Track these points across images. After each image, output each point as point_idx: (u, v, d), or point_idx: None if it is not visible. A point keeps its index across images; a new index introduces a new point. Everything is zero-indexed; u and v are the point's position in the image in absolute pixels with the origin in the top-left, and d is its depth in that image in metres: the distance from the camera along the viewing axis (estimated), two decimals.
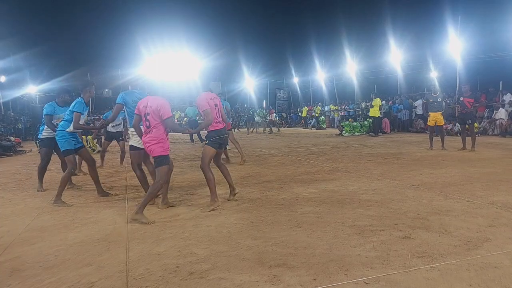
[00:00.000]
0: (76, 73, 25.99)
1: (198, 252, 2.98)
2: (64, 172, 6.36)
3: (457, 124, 12.89)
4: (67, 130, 4.98)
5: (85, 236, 3.49)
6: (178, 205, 4.56)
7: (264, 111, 21.55)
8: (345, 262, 2.67)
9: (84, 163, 6.59)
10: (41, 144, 5.96)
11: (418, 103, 16.12)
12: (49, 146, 5.86)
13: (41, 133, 5.93)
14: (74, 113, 4.85)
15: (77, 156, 5.41)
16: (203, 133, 11.30)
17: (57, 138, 5.06)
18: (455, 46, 16.57)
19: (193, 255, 2.92)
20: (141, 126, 4.18)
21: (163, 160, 3.97)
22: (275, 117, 21.47)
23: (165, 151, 3.98)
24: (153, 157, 4.03)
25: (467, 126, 9.20)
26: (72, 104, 4.97)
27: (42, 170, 5.93)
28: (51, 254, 3.07)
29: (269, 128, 20.78)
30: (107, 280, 2.54)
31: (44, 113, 5.75)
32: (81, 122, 4.96)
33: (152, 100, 4.03)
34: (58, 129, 5.10)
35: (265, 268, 2.62)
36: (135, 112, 4.20)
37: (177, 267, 2.71)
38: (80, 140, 5.30)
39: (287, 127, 28.24)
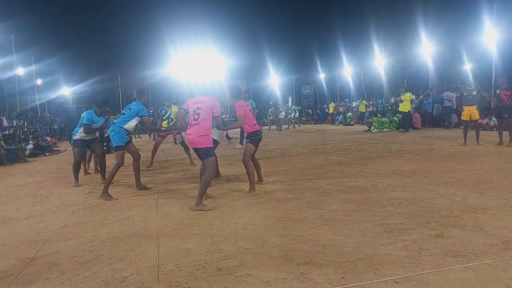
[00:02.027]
0: (106, 75, 26.93)
1: (225, 249, 3.01)
2: (100, 169, 6.72)
3: (493, 118, 12.30)
4: (124, 127, 5.36)
5: (117, 232, 3.61)
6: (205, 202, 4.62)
7: (274, 110, 21.67)
8: (375, 261, 2.62)
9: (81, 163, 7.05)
10: (75, 144, 6.48)
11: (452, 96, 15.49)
12: (82, 146, 6.41)
13: (75, 135, 6.42)
14: (143, 117, 5.39)
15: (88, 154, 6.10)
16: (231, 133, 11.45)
17: (112, 133, 5.40)
18: (491, 36, 15.78)
19: (220, 251, 2.96)
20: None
21: (210, 151, 4.34)
22: (284, 115, 21.63)
23: (210, 143, 4.36)
24: (199, 148, 4.35)
25: (504, 120, 8.77)
26: (136, 109, 5.39)
27: (76, 167, 6.46)
28: (86, 249, 3.20)
29: (278, 127, 20.96)
30: (138, 275, 2.62)
31: (83, 122, 6.23)
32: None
33: (204, 98, 4.48)
34: (115, 124, 5.45)
35: (293, 266, 2.62)
36: (182, 106, 4.67)
37: (206, 263, 2.75)
38: (128, 137, 5.63)
39: (313, 123, 27.98)
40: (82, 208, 4.74)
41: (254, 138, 5.24)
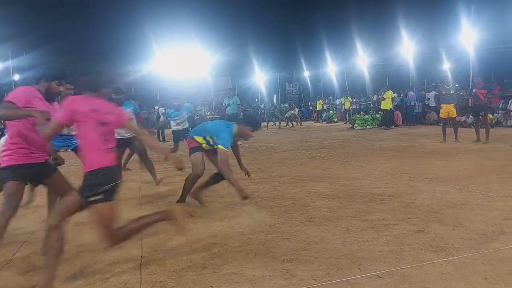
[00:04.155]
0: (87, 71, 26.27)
1: (210, 247, 3.00)
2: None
3: (470, 116, 12.66)
4: None
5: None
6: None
7: (289, 107, 21.47)
8: (358, 257, 2.66)
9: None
10: None
11: (431, 95, 15.90)
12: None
13: None
14: None
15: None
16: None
17: None
18: (468, 37, 16.22)
19: (205, 250, 2.94)
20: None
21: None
22: (297, 111, 21.60)
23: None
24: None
25: (480, 117, 9.04)
26: None
27: None
28: (66, 250, 3.10)
29: (291, 123, 20.77)
30: (121, 276, 2.58)
31: None
32: None
33: (110, 107, 2.53)
34: None
35: (278, 263, 2.63)
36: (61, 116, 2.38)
37: (190, 262, 2.73)
38: None
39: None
40: None
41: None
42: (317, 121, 24.52)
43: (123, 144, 5.63)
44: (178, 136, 7.45)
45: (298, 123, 21.13)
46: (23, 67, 24.39)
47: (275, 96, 31.53)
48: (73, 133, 4.84)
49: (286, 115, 21.25)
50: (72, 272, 2.67)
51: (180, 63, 25.34)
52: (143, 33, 26.20)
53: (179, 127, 7.42)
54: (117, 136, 5.47)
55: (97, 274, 2.62)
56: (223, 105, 12.24)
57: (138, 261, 2.80)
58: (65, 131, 4.55)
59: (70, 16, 32.85)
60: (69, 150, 5.53)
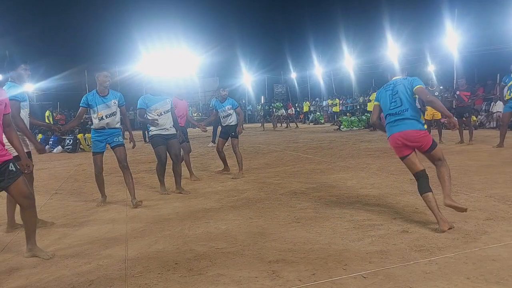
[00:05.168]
0: (73, 71, 25.89)
1: (196, 248, 2.98)
2: None
3: (454, 117, 12.92)
4: None
5: (83, 235, 3.49)
6: (174, 202, 4.55)
7: (282, 106, 20.81)
8: (344, 257, 2.67)
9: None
10: None
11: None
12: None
13: None
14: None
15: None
16: None
17: None
18: (452, 40, 16.59)
19: (191, 252, 2.92)
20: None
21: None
22: (293, 111, 20.96)
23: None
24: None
25: (464, 119, 9.24)
26: None
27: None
28: (52, 254, 3.06)
29: (286, 124, 20.21)
30: (105, 279, 2.54)
31: None
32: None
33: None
34: None
35: (264, 264, 2.63)
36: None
37: (176, 264, 2.71)
38: None
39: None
40: (46, 209, 4.53)
41: None
42: (304, 122, 24.69)
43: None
44: (223, 133, 6.28)
45: (287, 123, 20.33)
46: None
47: (262, 97, 31.62)
48: (118, 126, 4.45)
49: (278, 113, 20.23)
50: (55, 276, 2.62)
51: (167, 63, 25.19)
52: (130, 34, 25.96)
53: (224, 122, 6.21)
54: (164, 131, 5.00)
55: (82, 277, 2.58)
56: (211, 106, 12.23)
57: (123, 264, 2.76)
58: (105, 123, 4.48)
59: (55, 17, 32.31)
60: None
